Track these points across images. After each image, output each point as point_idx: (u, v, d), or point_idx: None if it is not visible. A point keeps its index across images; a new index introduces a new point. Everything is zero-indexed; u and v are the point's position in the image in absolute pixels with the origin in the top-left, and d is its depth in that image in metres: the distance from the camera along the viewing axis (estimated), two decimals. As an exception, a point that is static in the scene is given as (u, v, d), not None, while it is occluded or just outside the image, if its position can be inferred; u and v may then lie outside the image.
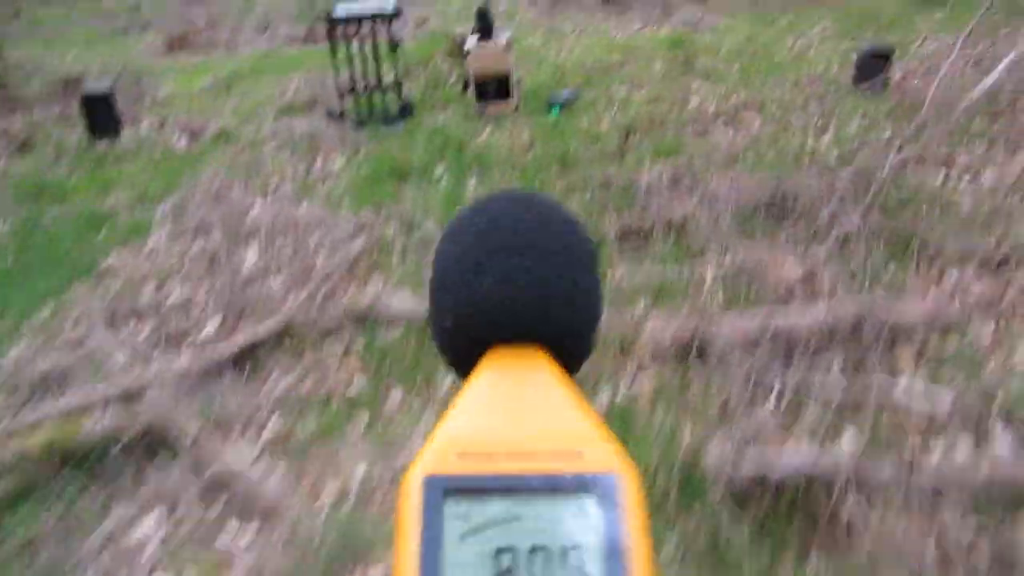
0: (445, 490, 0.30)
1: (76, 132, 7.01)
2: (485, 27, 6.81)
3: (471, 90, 6.87)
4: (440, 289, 0.37)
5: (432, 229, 4.50)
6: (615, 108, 6.51)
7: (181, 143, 6.59)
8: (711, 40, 9.20)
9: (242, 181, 5.37)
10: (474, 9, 6.99)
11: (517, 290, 0.35)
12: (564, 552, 0.29)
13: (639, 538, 0.30)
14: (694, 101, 6.49)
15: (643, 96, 6.77)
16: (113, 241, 4.59)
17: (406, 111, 6.83)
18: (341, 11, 6.32)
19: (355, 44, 6.75)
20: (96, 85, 7.16)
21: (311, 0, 12.48)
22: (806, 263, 3.65)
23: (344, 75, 7.03)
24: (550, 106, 6.64)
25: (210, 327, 3.54)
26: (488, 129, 6.44)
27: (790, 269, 3.61)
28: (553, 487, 0.30)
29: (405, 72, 8.01)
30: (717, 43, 9.02)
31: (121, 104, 7.77)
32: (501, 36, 6.95)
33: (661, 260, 3.86)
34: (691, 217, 4.18)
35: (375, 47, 6.68)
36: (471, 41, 6.90)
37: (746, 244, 3.91)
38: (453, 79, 7.90)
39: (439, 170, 5.57)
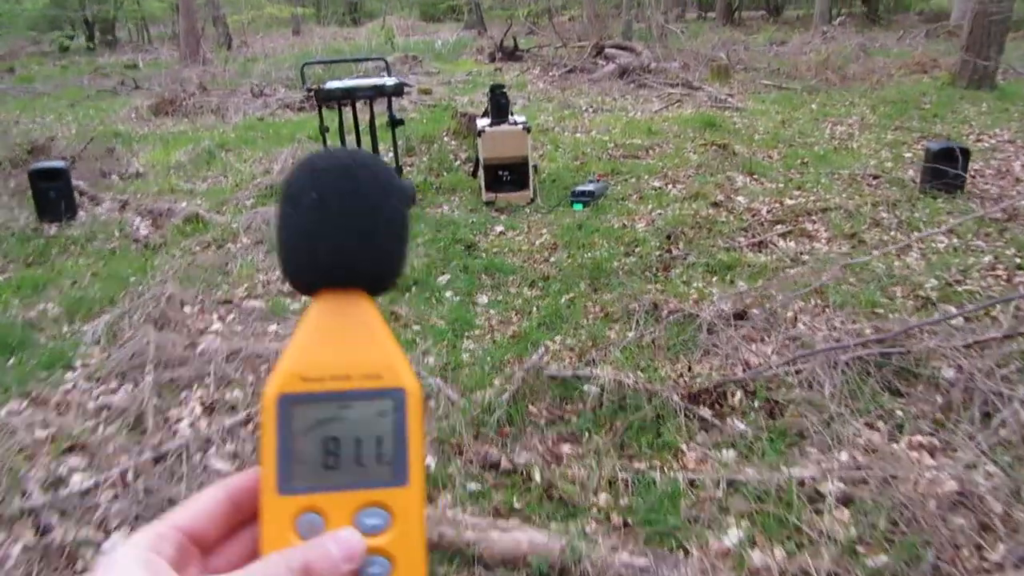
0: (292, 402, 0.41)
1: (26, 212, 5.95)
2: (500, 106, 5.84)
3: (480, 176, 5.87)
4: (283, 247, 0.44)
5: (432, 383, 3.41)
6: (650, 206, 5.49)
7: (141, 231, 5.53)
8: (742, 123, 8.28)
9: (200, 291, 4.28)
10: (488, 86, 6.03)
11: (342, 254, 0.43)
12: (369, 440, 0.42)
13: (416, 431, 0.42)
14: (742, 200, 5.48)
15: (681, 191, 5.76)
16: (21, 376, 3.47)
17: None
18: (333, 85, 5.34)
19: (351, 120, 5.77)
20: (51, 161, 6.14)
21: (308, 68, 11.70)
22: (954, 468, 2.56)
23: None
24: (574, 199, 5.63)
25: (112, 542, 2.41)
26: (501, 225, 5.41)
27: (936, 479, 2.51)
28: (363, 398, 0.42)
29: (408, 150, 7.04)
30: (749, 127, 8.10)
31: (84, 178, 6.75)
32: (518, 117, 5.98)
33: (748, 448, 2.77)
34: (778, 378, 3.10)
35: (372, 125, 5.70)
36: (483, 121, 5.92)
37: (860, 427, 2.82)
38: (460, 160, 6.91)
39: (443, 280, 4.51)
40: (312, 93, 5.40)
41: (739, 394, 3.09)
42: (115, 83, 13.62)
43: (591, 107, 9.46)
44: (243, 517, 0.43)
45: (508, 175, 5.88)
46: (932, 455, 2.71)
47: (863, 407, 2.94)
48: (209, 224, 5.46)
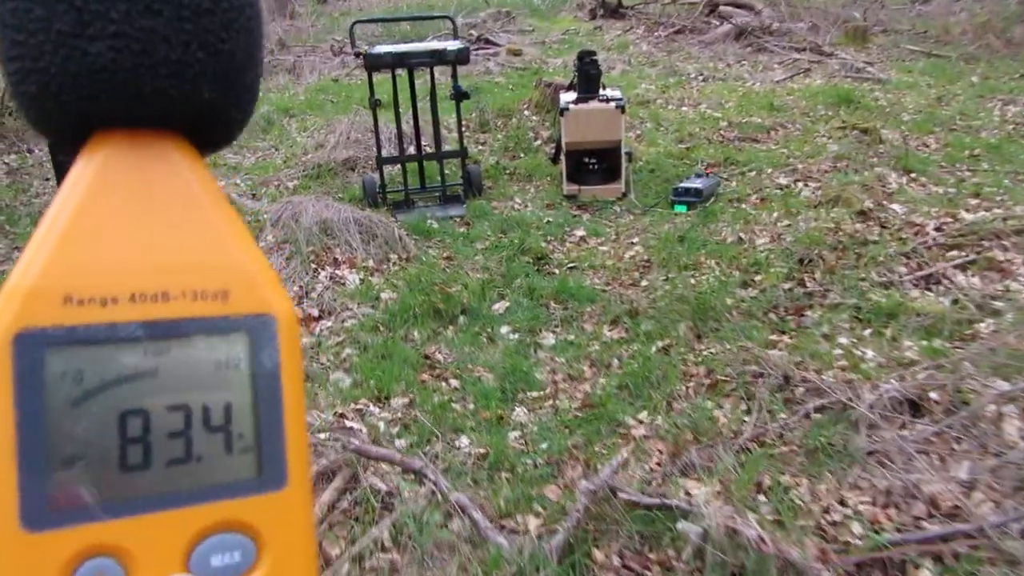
0: (45, 344, 0.23)
1: (52, 188, 5.23)
2: (589, 78, 4.65)
3: (562, 163, 4.74)
4: (14, 36, 0.24)
5: (466, 462, 2.38)
6: (775, 212, 4.23)
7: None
8: (886, 100, 6.76)
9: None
10: (578, 52, 4.84)
11: (142, 60, 0.24)
12: (207, 410, 0.24)
13: (294, 390, 0.25)
14: (898, 210, 4.14)
15: (814, 193, 4.45)
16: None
17: (471, 189, 4.75)
18: (382, 50, 4.29)
19: (405, 88, 4.72)
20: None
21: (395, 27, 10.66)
22: None
23: (389, 134, 5.02)
24: (676, 199, 4.42)
25: None
26: (583, 228, 4.28)
27: None
28: (192, 333, 0.24)
29: (481, 125, 5.95)
30: (895, 104, 6.58)
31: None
32: (611, 92, 4.78)
33: None
34: (990, 542, 1.91)
35: (433, 98, 4.63)
36: (568, 96, 4.76)
37: None
38: (541, 140, 5.77)
39: (501, 308, 3.45)
40: (360, 58, 4.38)
41: (927, 572, 1.91)
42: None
43: (701, 75, 8.07)
44: None
45: (595, 163, 4.73)
46: None
47: None
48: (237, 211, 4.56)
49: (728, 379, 2.78)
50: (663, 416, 2.65)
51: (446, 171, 4.87)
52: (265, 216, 4.33)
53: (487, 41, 10.21)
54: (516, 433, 2.62)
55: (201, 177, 0.27)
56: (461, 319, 3.35)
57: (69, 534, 0.22)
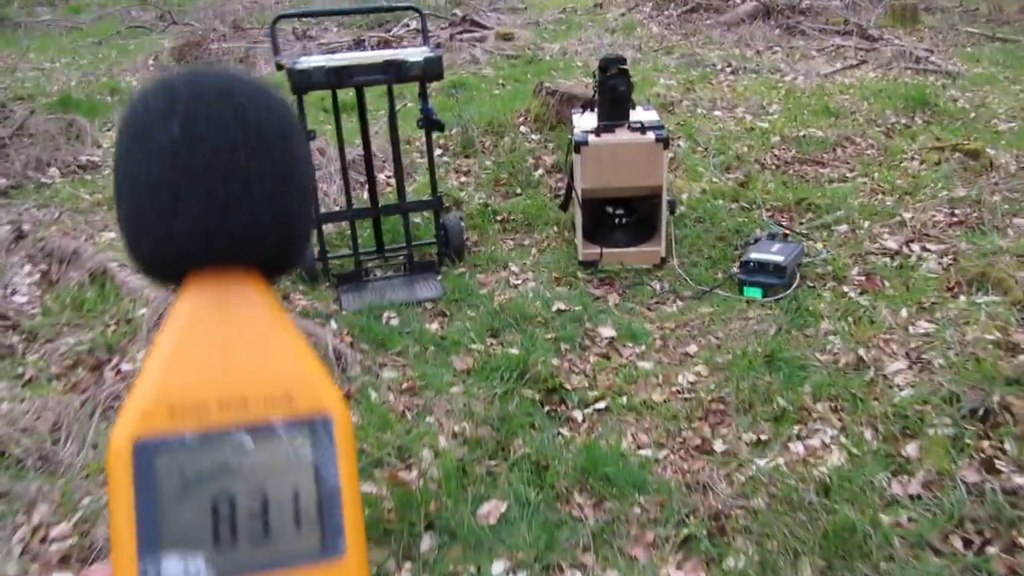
0: (156, 449, 0.28)
1: None
2: (616, 96, 3.18)
3: (577, 217, 3.28)
4: (129, 210, 0.30)
5: None
6: (903, 309, 2.77)
7: (17, 297, 3.23)
8: (965, 100, 5.28)
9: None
10: (598, 60, 3.36)
11: (222, 222, 0.29)
12: (280, 495, 0.28)
13: (349, 475, 0.29)
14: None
15: (942, 266, 3.00)
16: None
17: (448, 251, 3.29)
18: (310, 64, 2.78)
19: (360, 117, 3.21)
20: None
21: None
22: None
23: (336, 167, 3.56)
24: (745, 280, 2.97)
25: None
26: (611, 323, 2.84)
27: None
28: (265, 434, 0.29)
29: (464, 147, 4.47)
30: (980, 107, 5.11)
31: (5, 175, 4.52)
32: (644, 113, 3.31)
33: None
34: None
35: (393, 124, 3.15)
36: (585, 122, 3.28)
37: None
38: (543, 169, 4.28)
39: (494, 511, 2.02)
40: (286, 73, 2.90)
41: None
42: (153, 19, 11.32)
43: (728, 65, 6.56)
44: None
45: (623, 215, 3.28)
46: None
47: None
48: (113, 296, 3.08)
49: None
50: None
51: (416, 220, 3.42)
52: (143, 311, 2.86)
53: (473, 23, 8.63)
54: None
55: (267, 301, 0.30)
56: (425, 543, 1.92)
57: None
